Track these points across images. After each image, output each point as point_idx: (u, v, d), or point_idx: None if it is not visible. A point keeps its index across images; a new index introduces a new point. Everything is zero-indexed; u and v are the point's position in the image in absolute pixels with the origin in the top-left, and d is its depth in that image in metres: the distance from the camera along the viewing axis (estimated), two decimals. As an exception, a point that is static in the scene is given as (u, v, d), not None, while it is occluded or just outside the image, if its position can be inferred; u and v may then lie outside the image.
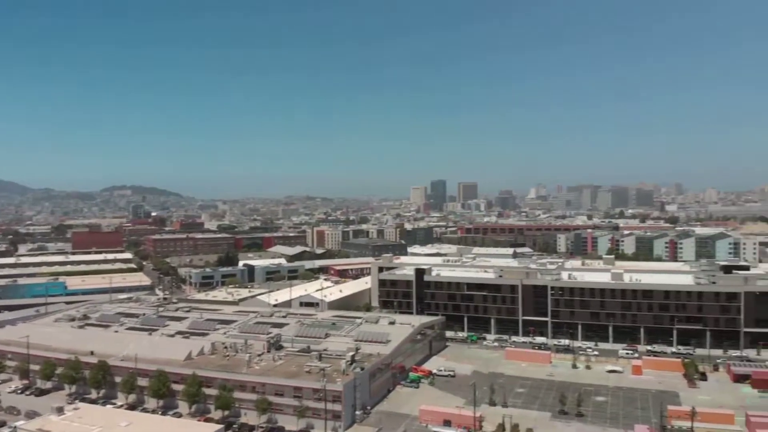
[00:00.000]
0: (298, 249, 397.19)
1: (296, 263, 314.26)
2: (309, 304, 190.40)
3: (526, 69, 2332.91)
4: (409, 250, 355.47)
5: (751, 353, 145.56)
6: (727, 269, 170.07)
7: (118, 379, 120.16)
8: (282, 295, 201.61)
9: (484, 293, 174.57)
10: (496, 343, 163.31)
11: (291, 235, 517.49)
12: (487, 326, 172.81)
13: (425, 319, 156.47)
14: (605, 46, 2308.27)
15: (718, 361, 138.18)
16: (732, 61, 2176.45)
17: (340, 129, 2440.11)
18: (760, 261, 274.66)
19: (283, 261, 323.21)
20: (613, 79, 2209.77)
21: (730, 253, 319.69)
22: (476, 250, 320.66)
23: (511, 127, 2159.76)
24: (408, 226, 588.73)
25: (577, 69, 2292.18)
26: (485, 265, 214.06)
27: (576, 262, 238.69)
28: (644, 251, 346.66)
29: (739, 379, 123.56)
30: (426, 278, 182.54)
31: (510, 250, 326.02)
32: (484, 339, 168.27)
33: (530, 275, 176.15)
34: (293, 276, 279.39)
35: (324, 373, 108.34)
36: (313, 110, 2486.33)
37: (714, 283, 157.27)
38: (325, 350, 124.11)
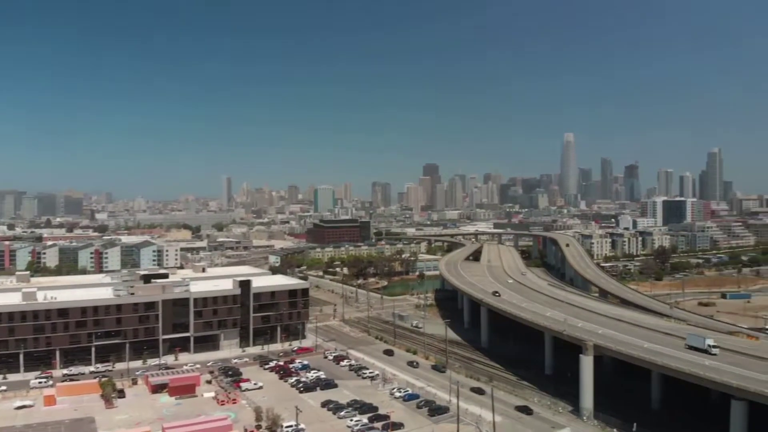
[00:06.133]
0: None
1: None
2: None
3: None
4: None
5: (170, 359, 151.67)
6: (147, 278, 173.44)
7: None
8: None
9: None
10: None
11: None
12: None
13: None
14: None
15: (137, 373, 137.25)
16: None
17: None
18: (181, 267, 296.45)
19: None
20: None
21: (153, 260, 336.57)
22: None
23: None
24: None
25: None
26: None
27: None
28: (69, 263, 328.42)
29: (158, 389, 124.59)
30: None
31: None
32: None
33: None
34: None
35: None
36: None
37: (133, 294, 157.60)
38: None
